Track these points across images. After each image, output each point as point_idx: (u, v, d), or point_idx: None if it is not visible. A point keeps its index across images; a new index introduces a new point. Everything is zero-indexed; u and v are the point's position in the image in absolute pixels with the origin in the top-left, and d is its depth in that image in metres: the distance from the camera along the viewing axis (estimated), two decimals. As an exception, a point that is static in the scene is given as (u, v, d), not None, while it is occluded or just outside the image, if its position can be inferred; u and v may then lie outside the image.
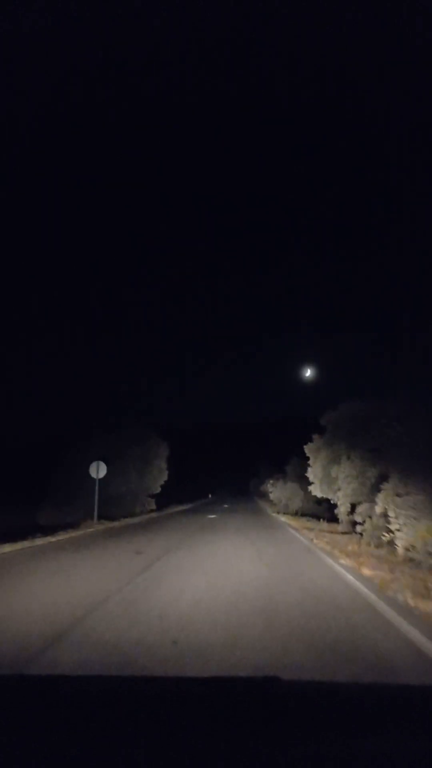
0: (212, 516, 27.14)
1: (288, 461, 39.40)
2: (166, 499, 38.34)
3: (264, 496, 63.45)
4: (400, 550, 11.92)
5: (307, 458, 36.92)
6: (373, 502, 14.88)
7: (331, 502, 21.19)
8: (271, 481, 36.60)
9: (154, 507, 30.57)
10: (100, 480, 23.77)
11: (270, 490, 35.97)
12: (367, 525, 15.08)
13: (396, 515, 12.63)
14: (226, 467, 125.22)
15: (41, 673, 3.92)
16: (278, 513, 30.68)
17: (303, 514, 31.61)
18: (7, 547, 13.06)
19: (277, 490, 34.12)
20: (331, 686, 2.50)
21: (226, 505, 42.04)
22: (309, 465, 21.86)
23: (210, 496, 77.73)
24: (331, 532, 17.77)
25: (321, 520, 25.52)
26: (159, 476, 31.16)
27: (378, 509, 13.91)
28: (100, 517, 22.85)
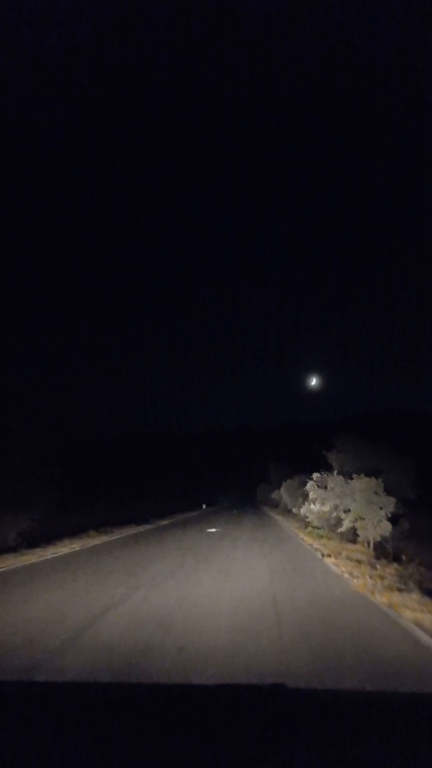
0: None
1: (332, 445, 19.27)
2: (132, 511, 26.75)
3: (276, 505, 44.10)
4: None
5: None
6: None
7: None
8: (316, 476, 16.13)
9: None
10: None
11: (311, 496, 15.58)
12: None
13: None
14: (230, 474, 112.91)
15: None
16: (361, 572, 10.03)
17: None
18: None
19: (332, 496, 13.88)
20: (336, 694, 2.49)
21: (213, 529, 21.63)
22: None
23: (204, 506, 57.86)
24: None
25: None
26: None
27: None
28: None
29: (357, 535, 13.82)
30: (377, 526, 12.76)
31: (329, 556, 11.67)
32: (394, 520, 15.18)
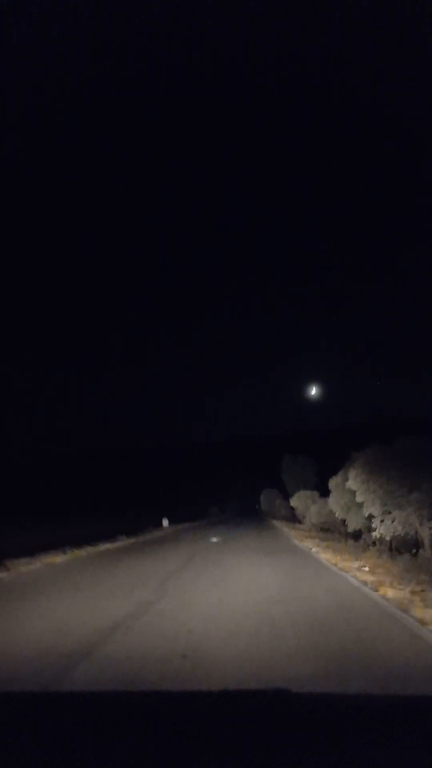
0: None
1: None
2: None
3: (296, 520, 34.00)
4: None
5: None
6: None
7: None
8: None
9: None
10: None
11: None
12: None
13: None
14: (225, 481, 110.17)
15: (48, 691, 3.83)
16: None
17: None
18: None
19: None
20: (341, 698, 2.42)
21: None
22: None
23: (166, 524, 36.65)
24: None
25: None
26: None
27: None
28: None
29: None
30: None
31: None
32: None
